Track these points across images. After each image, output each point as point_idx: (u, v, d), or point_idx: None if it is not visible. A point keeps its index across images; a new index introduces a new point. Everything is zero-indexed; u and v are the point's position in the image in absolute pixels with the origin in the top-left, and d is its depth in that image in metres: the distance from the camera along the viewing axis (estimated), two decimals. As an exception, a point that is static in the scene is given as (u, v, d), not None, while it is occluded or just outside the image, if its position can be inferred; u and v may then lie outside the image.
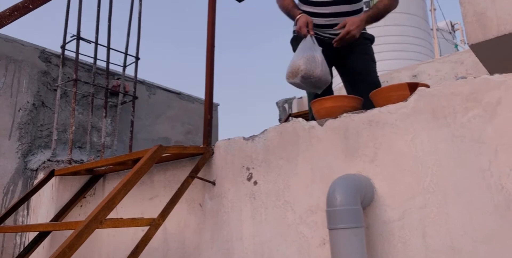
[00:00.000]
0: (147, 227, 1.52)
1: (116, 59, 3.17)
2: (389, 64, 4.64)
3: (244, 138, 1.74)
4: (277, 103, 4.89)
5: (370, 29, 2.24)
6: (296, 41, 2.08)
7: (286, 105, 5.23)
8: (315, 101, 1.59)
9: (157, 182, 2.05)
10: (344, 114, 1.44)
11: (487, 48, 1.39)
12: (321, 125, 1.49)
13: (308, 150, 1.50)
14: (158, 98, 3.43)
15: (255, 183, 1.64)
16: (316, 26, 2.06)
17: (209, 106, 1.89)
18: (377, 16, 2.05)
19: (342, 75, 2.21)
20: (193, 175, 1.72)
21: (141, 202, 2.06)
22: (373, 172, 1.32)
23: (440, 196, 1.17)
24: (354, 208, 1.19)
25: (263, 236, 1.56)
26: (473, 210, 1.11)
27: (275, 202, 1.55)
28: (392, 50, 5.03)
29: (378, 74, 2.20)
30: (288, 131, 1.59)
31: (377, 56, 2.25)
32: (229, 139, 1.81)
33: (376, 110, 1.36)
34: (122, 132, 2.96)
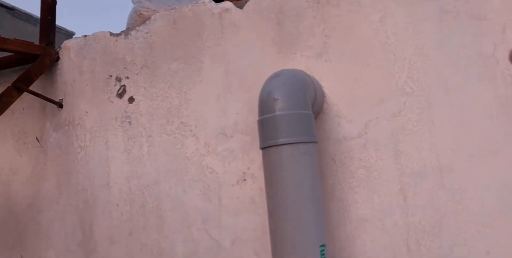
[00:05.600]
0: None
1: None
2: None
3: (111, 34, 1.13)
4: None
5: None
6: None
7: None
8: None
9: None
10: (276, -10, 0.96)
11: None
12: (240, 7, 0.99)
13: (220, 44, 0.99)
14: (-25, 8, 2.39)
15: (131, 100, 1.07)
16: None
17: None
18: None
19: None
20: (19, 86, 1.04)
21: None
22: (322, 70, 0.89)
23: (422, 98, 0.81)
24: (305, 113, 0.76)
25: (144, 177, 1.02)
26: (470, 114, 0.78)
27: (164, 126, 1.02)
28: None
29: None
30: (186, 17, 1.04)
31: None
32: (85, 36, 1.17)
33: (326, -19, 0.92)
34: None
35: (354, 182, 0.84)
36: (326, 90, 0.88)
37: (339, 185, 0.85)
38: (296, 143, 0.72)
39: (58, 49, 1.19)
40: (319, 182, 0.76)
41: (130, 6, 1.23)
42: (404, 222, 0.80)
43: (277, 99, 0.73)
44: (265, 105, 0.76)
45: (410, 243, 0.79)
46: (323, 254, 0.71)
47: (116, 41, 1.11)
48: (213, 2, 1.02)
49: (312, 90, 0.80)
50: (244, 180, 0.92)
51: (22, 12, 2.77)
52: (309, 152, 0.74)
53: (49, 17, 1.17)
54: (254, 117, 0.92)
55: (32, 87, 1.09)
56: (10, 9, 2.67)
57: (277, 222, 0.72)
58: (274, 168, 0.73)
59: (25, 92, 1.06)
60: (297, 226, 0.72)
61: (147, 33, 1.07)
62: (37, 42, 1.16)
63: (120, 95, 1.08)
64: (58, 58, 1.17)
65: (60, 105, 1.15)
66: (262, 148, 0.76)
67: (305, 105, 0.76)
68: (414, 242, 0.78)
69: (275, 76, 0.81)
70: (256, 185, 0.91)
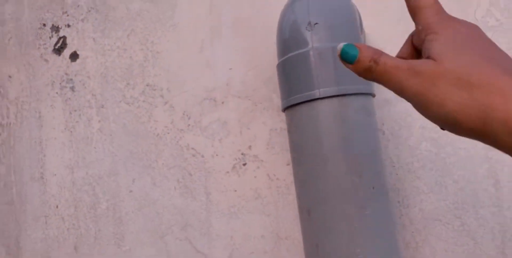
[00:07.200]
0: None
1: None
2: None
3: (45, -35, 0.80)
4: None
5: None
6: None
7: None
8: None
9: None
10: None
11: None
12: None
13: (202, -31, 0.68)
14: None
15: (75, 56, 0.75)
16: None
17: None
18: None
19: None
20: None
21: None
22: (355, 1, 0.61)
23: (516, 32, 0.54)
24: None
25: (95, 166, 0.71)
26: None
27: (123, 91, 0.71)
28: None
29: None
30: None
31: None
32: (8, -30, 0.83)
33: None
34: None
35: (415, 163, 0.56)
36: (367, 30, 0.60)
37: (391, 168, 0.57)
38: (348, 95, 0.43)
39: (-31, -10, 0.84)
40: (383, 161, 0.47)
41: None
42: (496, 219, 0.52)
43: (316, 23, 0.44)
44: (290, 38, 0.46)
45: (507, 250, 0.52)
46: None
47: (52, -26, 0.78)
48: None
49: (359, 18, 0.51)
50: (244, 164, 0.62)
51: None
52: (366, 110, 0.45)
53: None
54: (256, 72, 0.63)
55: None
56: None
57: (319, 226, 0.43)
58: (310, 139, 0.44)
59: None
60: (355, 230, 0.43)
61: (95, -40, 0.75)
62: None
63: (59, 50, 0.76)
64: (-32, 3, 0.83)
65: (-28, 68, 0.81)
66: (287, 108, 0.47)
67: (356, 34, 0.47)
68: (515, 250, 0.51)
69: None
70: (263, 171, 0.61)
